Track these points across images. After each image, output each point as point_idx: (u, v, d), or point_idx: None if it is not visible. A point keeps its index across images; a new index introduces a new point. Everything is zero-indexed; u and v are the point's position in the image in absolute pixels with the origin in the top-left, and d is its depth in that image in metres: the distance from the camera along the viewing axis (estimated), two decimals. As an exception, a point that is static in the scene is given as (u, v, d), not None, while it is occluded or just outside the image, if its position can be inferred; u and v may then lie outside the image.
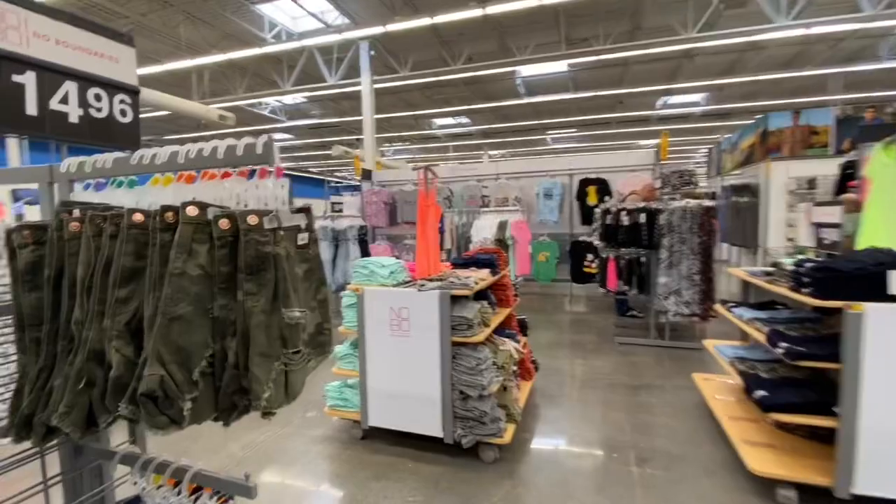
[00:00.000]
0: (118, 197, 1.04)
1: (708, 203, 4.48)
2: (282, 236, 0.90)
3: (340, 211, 7.29)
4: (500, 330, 3.38)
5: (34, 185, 1.08)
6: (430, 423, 2.82)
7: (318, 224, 6.33)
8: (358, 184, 8.31)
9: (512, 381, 3.10)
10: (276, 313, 0.86)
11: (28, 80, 0.98)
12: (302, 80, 10.33)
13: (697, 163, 19.23)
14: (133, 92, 1.24)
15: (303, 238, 0.97)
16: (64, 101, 1.05)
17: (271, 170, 0.90)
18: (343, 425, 3.34)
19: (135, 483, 1.07)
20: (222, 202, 0.93)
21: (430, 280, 2.95)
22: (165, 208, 0.82)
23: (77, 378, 0.84)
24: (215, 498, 1.00)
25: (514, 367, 3.24)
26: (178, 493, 1.02)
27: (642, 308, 5.57)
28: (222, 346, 0.84)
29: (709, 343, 3.55)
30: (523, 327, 3.92)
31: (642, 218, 4.60)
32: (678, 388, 3.87)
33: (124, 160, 0.97)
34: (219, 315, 0.83)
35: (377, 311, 2.91)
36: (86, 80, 1.10)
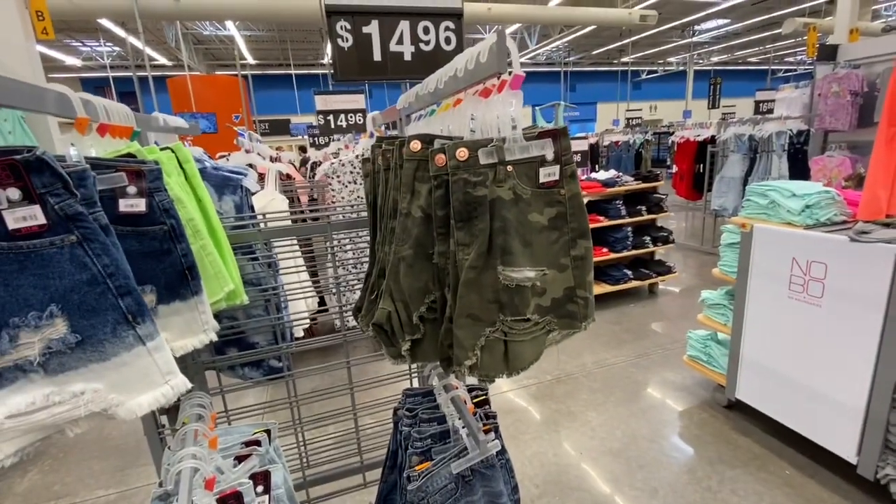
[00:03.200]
0: (419, 128, 1.11)
1: None
2: (507, 174, 0.68)
3: (770, 111, 5.47)
4: None
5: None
6: (833, 437, 1.90)
7: (731, 132, 5.06)
8: (808, 70, 5.90)
9: None
10: (489, 271, 0.70)
11: (373, 28, 1.17)
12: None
13: None
14: (456, 16, 1.26)
15: (549, 173, 0.71)
16: (400, 41, 1.19)
17: (504, 80, 0.67)
18: (705, 381, 2.82)
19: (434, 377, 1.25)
20: (461, 131, 0.80)
21: (889, 225, 1.77)
22: (402, 143, 0.78)
23: (371, 289, 1.00)
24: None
25: None
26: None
27: None
28: (443, 294, 0.77)
29: None
30: None
31: None
32: None
33: (414, 93, 1.00)
34: (438, 262, 0.75)
35: (771, 259, 2.08)
36: (416, 16, 1.20)
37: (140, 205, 0.84)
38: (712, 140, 5.50)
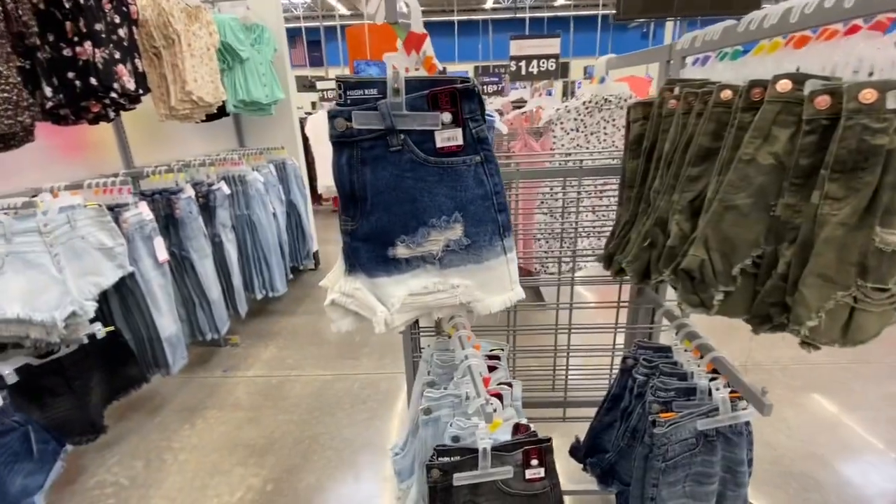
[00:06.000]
0: (718, 72, 1.02)
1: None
2: (917, 121, 0.59)
3: None
4: None
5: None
6: None
7: None
8: None
9: None
10: (862, 231, 0.63)
11: (670, -40, 1.08)
12: None
13: None
14: (769, -62, 1.07)
15: (967, 124, 0.60)
16: (695, -28, 1.08)
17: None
18: (959, 409, 2.26)
19: (673, 336, 1.25)
20: (835, 71, 0.71)
21: None
22: (753, 84, 0.72)
23: (644, 237, 1.01)
24: (727, 390, 1.01)
25: None
26: (699, 366, 1.11)
27: None
28: (775, 250, 0.73)
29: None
30: None
31: None
32: None
33: (731, 28, 0.91)
34: (781, 215, 0.70)
35: None
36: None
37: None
38: None
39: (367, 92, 0.64)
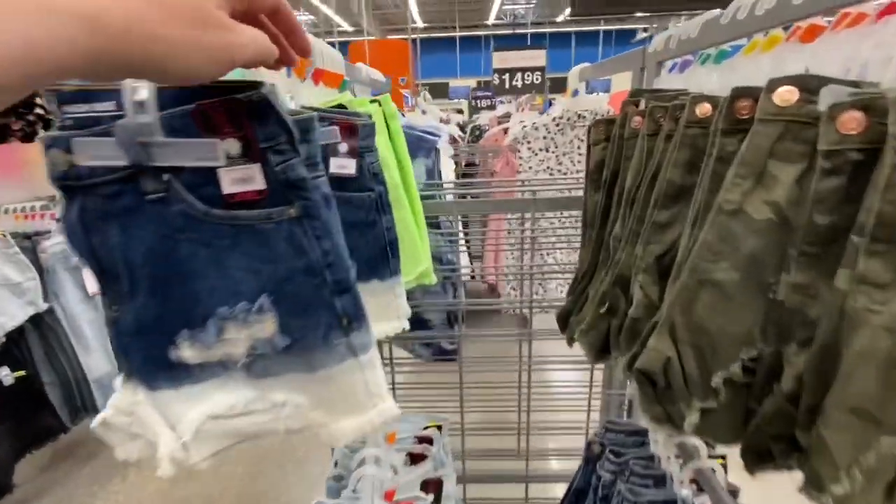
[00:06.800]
0: (699, 78, 0.77)
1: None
2: None
3: None
4: None
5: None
6: None
7: None
8: None
9: None
10: (928, 342, 0.37)
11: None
12: None
13: None
14: None
15: None
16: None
17: None
18: None
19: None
20: (865, 74, 0.46)
21: None
22: (738, 93, 0.47)
23: (601, 300, 0.75)
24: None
25: None
26: (681, 469, 0.83)
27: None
28: (778, 351, 0.47)
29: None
30: None
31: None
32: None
33: (713, 22, 0.67)
34: (785, 300, 0.44)
35: None
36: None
37: (350, 166, 0.71)
38: None
39: (95, 107, 0.40)
